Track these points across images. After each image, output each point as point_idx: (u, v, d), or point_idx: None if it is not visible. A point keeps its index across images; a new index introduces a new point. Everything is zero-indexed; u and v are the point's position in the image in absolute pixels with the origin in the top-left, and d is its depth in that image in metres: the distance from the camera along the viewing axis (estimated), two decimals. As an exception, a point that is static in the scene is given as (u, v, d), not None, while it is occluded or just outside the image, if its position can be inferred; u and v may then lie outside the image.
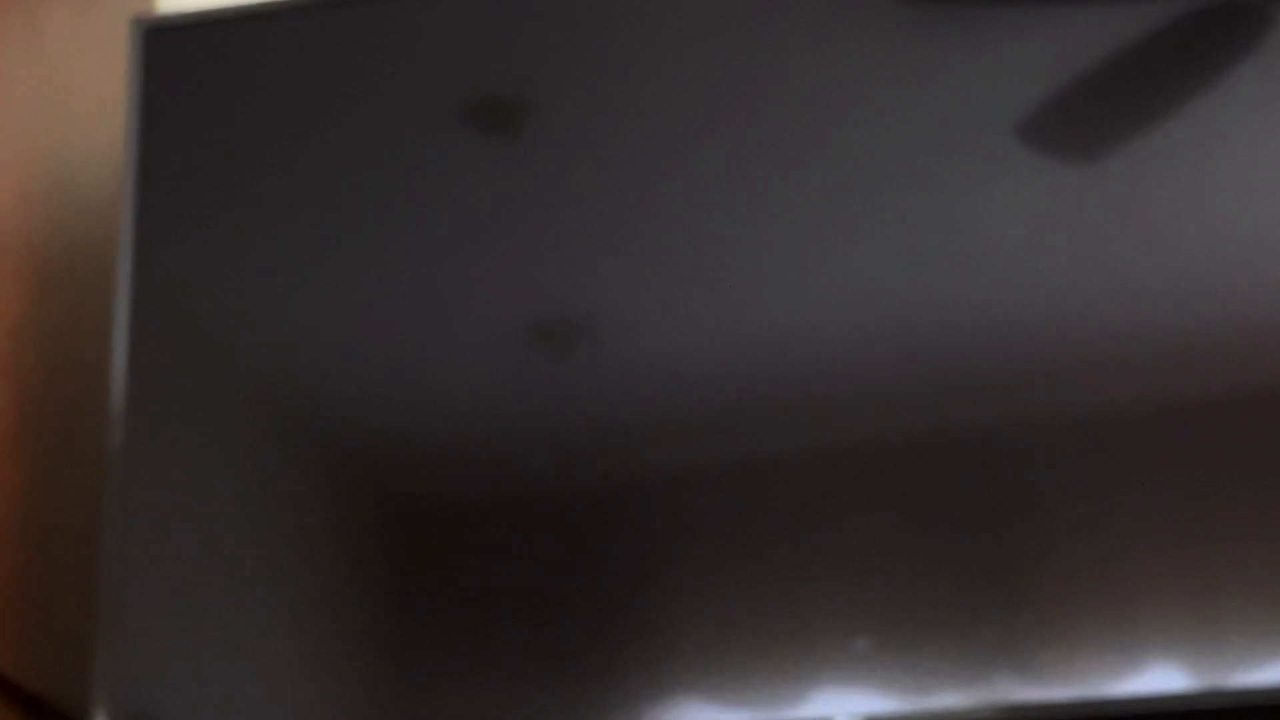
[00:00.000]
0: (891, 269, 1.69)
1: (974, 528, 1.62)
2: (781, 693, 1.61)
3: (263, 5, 1.88)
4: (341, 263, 1.79)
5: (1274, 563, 1.56)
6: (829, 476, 1.66)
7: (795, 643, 1.62)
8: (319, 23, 1.86)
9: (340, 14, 1.86)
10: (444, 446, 1.74)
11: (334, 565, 1.73)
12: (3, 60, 1.82)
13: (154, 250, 1.81)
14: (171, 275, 1.81)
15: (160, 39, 1.87)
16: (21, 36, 1.86)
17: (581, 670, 1.64)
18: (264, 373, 1.80)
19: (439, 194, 1.79)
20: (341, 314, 1.78)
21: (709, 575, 1.65)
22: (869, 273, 1.69)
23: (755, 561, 1.64)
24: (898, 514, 1.64)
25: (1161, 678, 1.55)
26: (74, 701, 1.81)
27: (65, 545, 1.84)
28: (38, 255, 1.85)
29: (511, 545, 1.70)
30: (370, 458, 1.76)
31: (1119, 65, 1.70)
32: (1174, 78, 1.69)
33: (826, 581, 1.63)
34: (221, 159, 1.84)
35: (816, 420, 1.67)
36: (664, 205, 1.74)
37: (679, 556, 1.66)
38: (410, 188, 1.79)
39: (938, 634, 1.60)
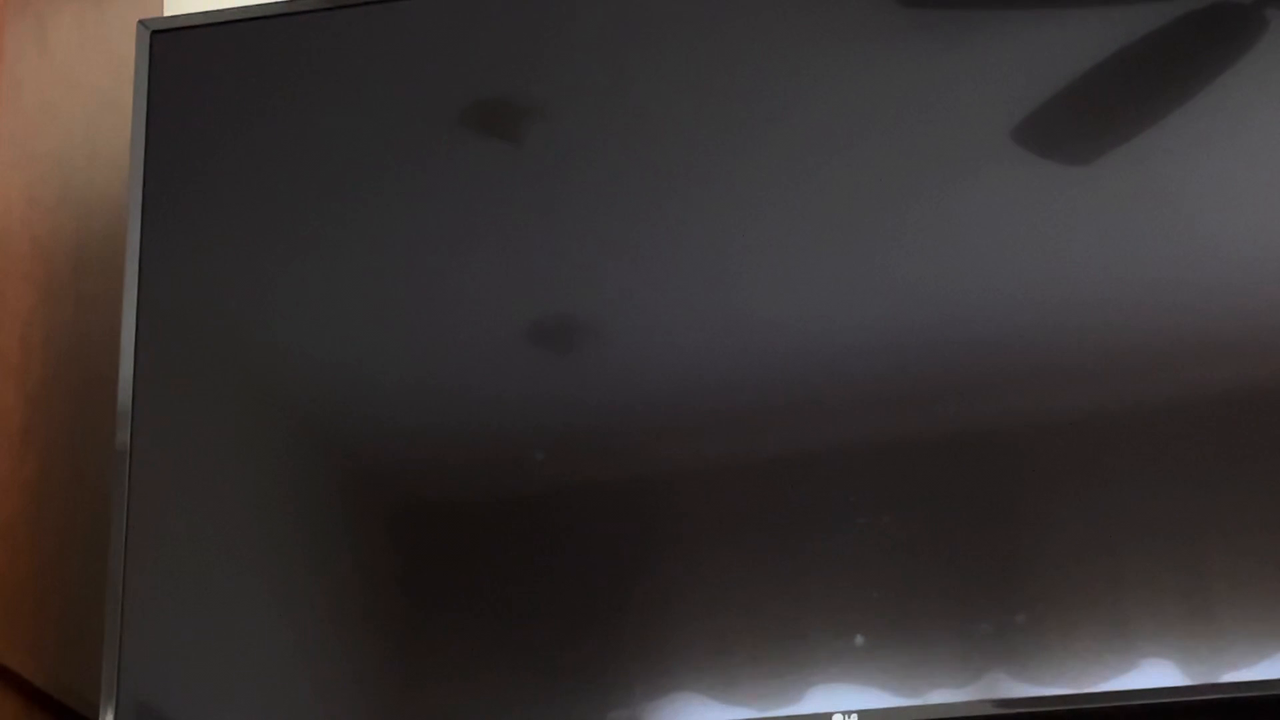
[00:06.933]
0: (888, 270, 1.69)
1: (969, 526, 1.62)
2: (780, 689, 1.61)
3: (268, 7, 1.88)
4: (344, 262, 1.79)
5: (1266, 559, 1.57)
6: (827, 475, 1.66)
7: (793, 640, 1.62)
8: (323, 26, 1.86)
9: (344, 17, 1.86)
10: (445, 444, 1.74)
11: (336, 562, 1.73)
12: (10, 62, 1.82)
13: (160, 250, 1.82)
14: (177, 275, 1.81)
15: (166, 41, 1.87)
16: (29, 39, 1.86)
17: (580, 668, 1.65)
18: (268, 371, 1.81)
19: (440, 194, 1.79)
20: (344, 313, 1.78)
21: (708, 573, 1.65)
22: (866, 274, 1.69)
23: (754, 560, 1.65)
24: (894, 513, 1.64)
25: (1155, 674, 1.56)
26: (83, 697, 1.82)
27: (73, 542, 1.84)
28: (45, 255, 1.86)
29: (511, 543, 1.70)
30: (372, 455, 1.76)
31: (1117, 66, 1.70)
32: (1171, 79, 1.69)
33: (824, 579, 1.63)
34: (227, 159, 1.84)
35: (814, 419, 1.68)
36: (663, 206, 1.75)
37: (677, 554, 1.67)
38: (412, 188, 1.80)
39: (934, 631, 1.60)
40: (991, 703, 1.58)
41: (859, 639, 1.61)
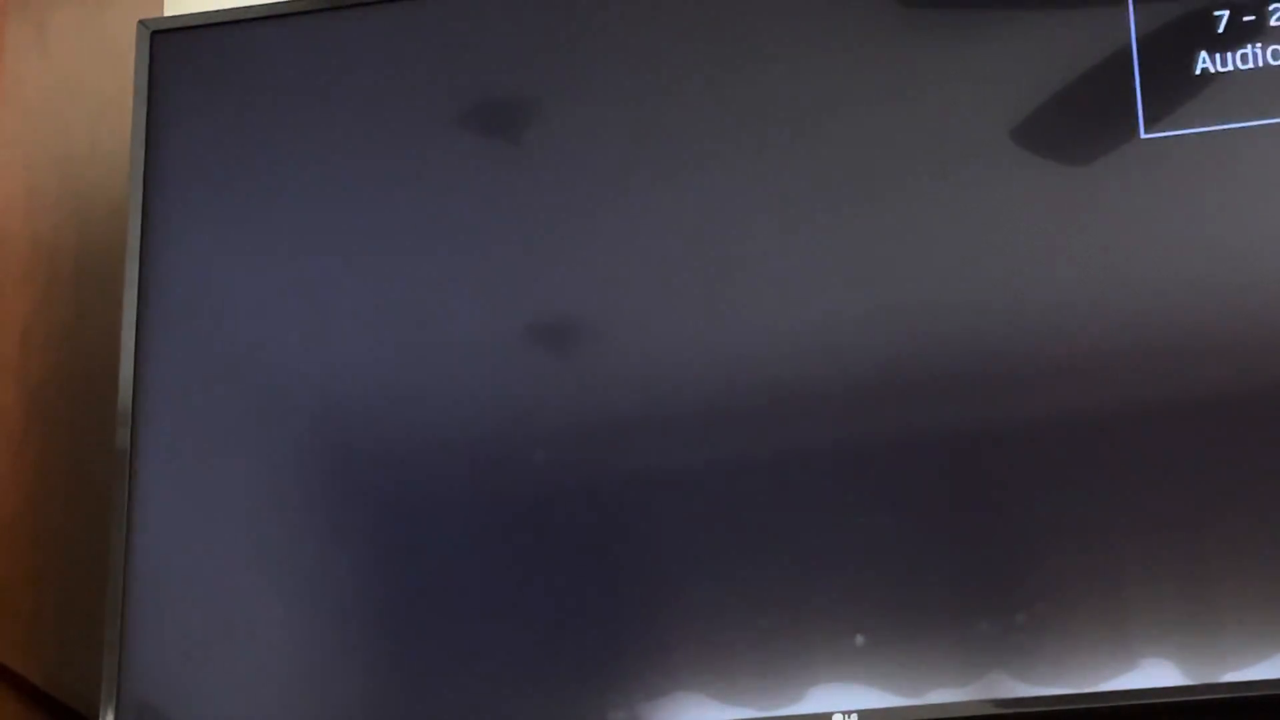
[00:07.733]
0: (888, 269, 1.69)
1: (969, 526, 1.62)
2: (780, 689, 1.61)
3: (268, 7, 1.88)
4: (343, 261, 1.79)
5: (1266, 560, 1.57)
6: (827, 475, 1.66)
7: (793, 639, 1.62)
8: (323, 26, 1.87)
9: (344, 17, 1.86)
10: (445, 444, 1.75)
11: (336, 561, 1.74)
12: (11, 63, 1.82)
13: (160, 251, 1.82)
14: (177, 275, 1.82)
15: (166, 41, 1.88)
16: (29, 39, 1.86)
17: (580, 668, 1.65)
18: (268, 370, 1.81)
19: (439, 195, 1.79)
20: (343, 312, 1.78)
21: (707, 573, 1.65)
22: (865, 274, 1.70)
23: (754, 559, 1.65)
24: (894, 513, 1.64)
25: (1155, 674, 1.56)
26: (83, 697, 1.82)
27: (73, 543, 1.84)
28: (45, 256, 1.86)
29: (511, 542, 1.70)
30: (372, 455, 1.76)
31: (1117, 66, 1.70)
32: (1171, 79, 1.69)
33: (824, 579, 1.63)
34: (226, 160, 1.84)
35: (814, 419, 1.68)
36: (662, 206, 1.75)
37: (678, 554, 1.67)
38: (411, 188, 1.80)
39: (934, 631, 1.60)
40: (991, 703, 1.58)
41: (859, 639, 1.61)
